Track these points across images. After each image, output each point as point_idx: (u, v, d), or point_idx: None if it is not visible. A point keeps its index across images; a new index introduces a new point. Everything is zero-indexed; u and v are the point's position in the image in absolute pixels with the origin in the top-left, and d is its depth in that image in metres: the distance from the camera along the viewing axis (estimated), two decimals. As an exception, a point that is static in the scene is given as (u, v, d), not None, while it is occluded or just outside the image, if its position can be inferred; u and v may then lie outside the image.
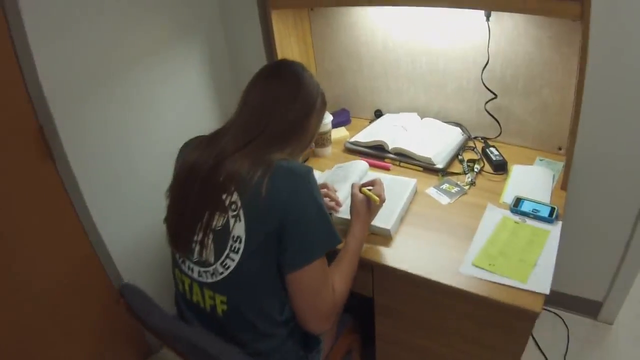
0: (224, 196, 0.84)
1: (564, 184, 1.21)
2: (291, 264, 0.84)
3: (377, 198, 1.02)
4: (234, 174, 0.84)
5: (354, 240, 1.01)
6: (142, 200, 1.46)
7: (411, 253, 1.05)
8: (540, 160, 1.37)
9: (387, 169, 1.40)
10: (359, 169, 1.32)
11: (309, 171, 0.87)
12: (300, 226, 0.83)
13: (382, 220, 1.11)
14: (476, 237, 1.06)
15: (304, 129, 0.96)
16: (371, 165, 1.40)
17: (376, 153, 1.46)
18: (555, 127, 1.36)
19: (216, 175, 0.86)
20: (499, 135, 1.46)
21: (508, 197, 1.19)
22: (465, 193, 1.23)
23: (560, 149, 1.39)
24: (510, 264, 0.97)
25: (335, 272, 0.93)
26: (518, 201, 1.15)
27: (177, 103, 1.54)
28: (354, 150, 1.51)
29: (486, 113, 1.45)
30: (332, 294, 0.88)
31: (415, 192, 1.24)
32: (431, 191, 1.26)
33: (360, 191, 1.06)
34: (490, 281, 0.94)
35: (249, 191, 0.83)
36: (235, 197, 0.83)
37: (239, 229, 0.83)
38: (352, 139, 1.53)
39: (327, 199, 1.17)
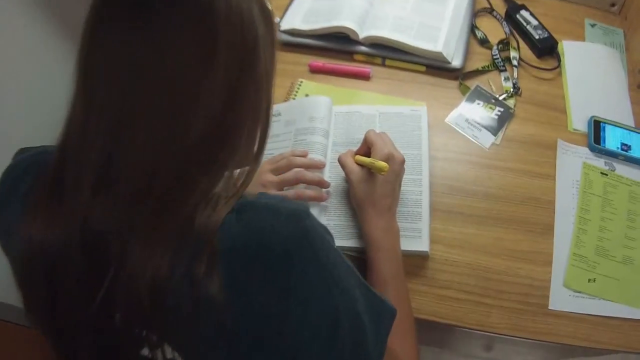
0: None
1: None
2: None
3: (384, 164, 0.58)
4: (145, 291, 0.35)
5: (384, 253, 0.59)
6: None
7: (457, 282, 0.66)
8: (592, 26, 0.91)
9: (365, 77, 0.83)
10: (321, 111, 0.76)
11: (306, 216, 0.40)
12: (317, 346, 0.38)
13: (410, 232, 0.66)
14: (558, 220, 0.68)
15: (253, 107, 0.42)
16: (333, 72, 0.83)
17: (336, 46, 0.86)
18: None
19: (105, 310, 0.37)
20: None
21: (578, 118, 0.77)
22: (513, 114, 0.78)
23: (613, 5, 0.92)
24: (617, 272, 0.64)
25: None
26: (598, 127, 0.74)
27: None
28: (293, 45, 0.88)
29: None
30: None
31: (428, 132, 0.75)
32: (456, 120, 0.78)
33: (356, 161, 0.64)
34: (597, 316, 0.62)
35: (184, 320, 0.37)
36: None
37: None
38: (285, 25, 0.88)
39: (300, 187, 0.67)
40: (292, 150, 0.72)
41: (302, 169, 0.67)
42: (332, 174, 0.71)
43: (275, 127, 0.78)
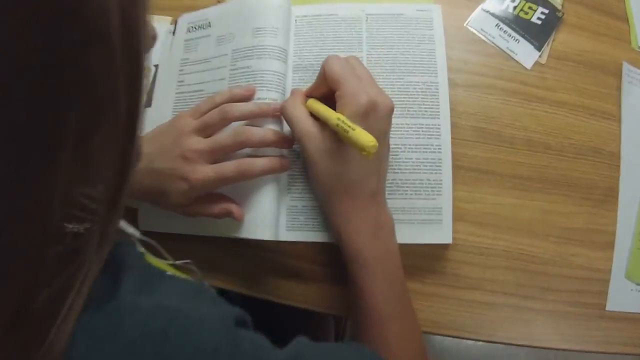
0: None
1: None
2: None
3: (366, 138, 0.31)
4: None
5: (375, 268, 0.36)
6: None
7: (489, 279, 0.44)
8: None
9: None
10: (273, 18, 0.46)
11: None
12: None
13: (424, 213, 0.42)
14: (624, 182, 0.47)
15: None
16: None
17: None
18: None
19: None
20: None
21: (641, 31, 0.54)
22: (561, 19, 0.52)
23: None
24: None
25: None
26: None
27: None
28: None
29: None
30: None
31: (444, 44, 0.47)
32: (481, 25, 0.51)
33: (312, 113, 0.38)
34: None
35: None
36: None
37: None
38: None
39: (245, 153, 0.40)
40: (229, 90, 0.41)
41: (246, 127, 0.39)
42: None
43: (202, 47, 0.45)
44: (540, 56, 0.50)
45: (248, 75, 0.43)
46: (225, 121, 0.39)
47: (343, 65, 0.35)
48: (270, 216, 0.40)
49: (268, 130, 0.39)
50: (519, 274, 0.44)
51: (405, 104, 0.44)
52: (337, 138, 0.35)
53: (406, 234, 0.40)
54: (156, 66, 0.50)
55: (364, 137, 0.31)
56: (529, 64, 0.49)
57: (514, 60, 0.49)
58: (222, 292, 0.45)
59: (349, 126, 0.32)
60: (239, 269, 0.45)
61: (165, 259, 0.35)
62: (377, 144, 0.30)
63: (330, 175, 0.35)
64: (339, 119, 0.33)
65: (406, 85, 0.44)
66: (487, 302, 0.43)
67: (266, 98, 0.42)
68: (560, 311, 0.44)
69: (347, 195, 0.35)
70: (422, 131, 0.43)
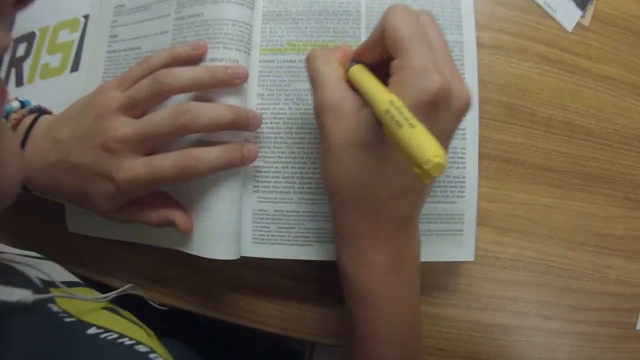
0: None
1: None
2: None
3: (435, 153, 0.18)
4: None
5: (390, 308, 0.25)
6: None
7: (510, 297, 0.35)
8: None
9: None
10: None
11: None
12: None
13: (442, 221, 0.31)
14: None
15: None
16: None
17: None
18: None
19: None
20: None
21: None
22: (603, -27, 0.42)
23: None
24: None
25: None
26: None
27: None
28: None
29: None
30: None
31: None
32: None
33: (351, 80, 0.25)
34: None
35: None
36: None
37: None
38: None
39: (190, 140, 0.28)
40: (170, 49, 0.29)
41: (191, 103, 0.27)
42: (271, 88, 0.30)
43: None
44: (582, 16, 0.40)
45: (198, 26, 0.30)
46: (160, 94, 0.26)
47: (413, 22, 0.23)
48: (230, 227, 0.29)
49: (224, 106, 0.27)
50: (545, 290, 0.35)
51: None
52: (378, 126, 0.22)
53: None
54: (86, 17, 0.36)
55: (426, 144, 0.18)
56: (569, 26, 0.39)
57: (553, 19, 0.39)
58: (174, 311, 0.35)
59: (406, 119, 0.19)
60: (195, 284, 0.34)
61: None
62: (444, 161, 0.18)
63: (351, 179, 0.23)
64: (392, 102, 0.20)
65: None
66: (507, 325, 0.35)
67: (223, 59, 0.29)
68: (587, 332, 0.36)
69: (367, 214, 0.24)
70: (443, 107, 0.32)
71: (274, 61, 0.32)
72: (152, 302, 0.33)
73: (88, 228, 0.33)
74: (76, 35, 0.35)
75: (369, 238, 0.24)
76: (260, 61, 0.32)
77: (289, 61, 0.32)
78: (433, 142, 0.18)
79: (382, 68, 0.24)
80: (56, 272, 0.28)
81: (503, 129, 0.36)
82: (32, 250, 0.37)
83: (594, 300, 0.36)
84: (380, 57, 0.24)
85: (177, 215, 0.28)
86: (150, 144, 0.26)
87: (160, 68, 0.27)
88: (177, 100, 0.28)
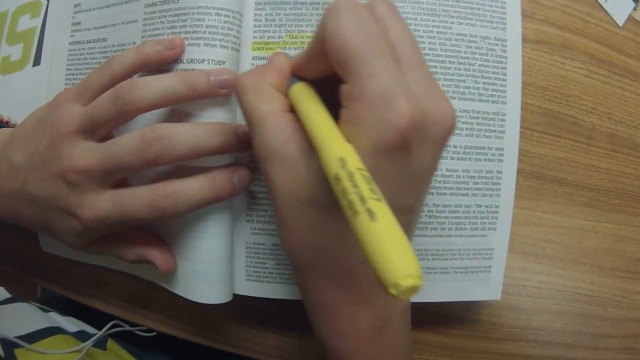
0: None
1: None
2: None
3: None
4: None
5: (369, 355, 0.20)
6: None
7: (534, 327, 0.32)
8: None
9: None
10: None
11: None
12: None
13: (468, 257, 0.27)
14: None
15: None
16: None
17: None
18: None
19: None
20: None
21: None
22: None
23: None
24: None
25: None
26: None
27: None
28: None
29: None
30: None
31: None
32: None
33: (293, 105, 0.19)
34: None
35: None
36: None
37: None
38: None
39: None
40: (137, 47, 0.22)
41: (165, 125, 0.21)
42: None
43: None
44: (635, 9, 0.34)
45: (174, 16, 0.24)
46: (124, 115, 0.21)
47: (364, 25, 0.16)
48: (219, 267, 0.25)
49: (207, 126, 0.22)
50: (571, 318, 0.32)
51: (452, 74, 0.27)
52: None
53: (434, 290, 0.27)
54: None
55: (392, 255, 0.12)
56: (621, 19, 0.34)
57: (603, 10, 0.33)
58: (160, 337, 0.31)
59: (362, 199, 0.13)
60: (185, 309, 0.30)
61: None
62: (418, 281, 0.12)
63: (313, 244, 0.18)
64: (342, 162, 0.14)
65: (455, 41, 0.27)
66: (525, 355, 0.32)
67: (204, 60, 0.23)
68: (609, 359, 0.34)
69: (336, 282, 0.19)
70: (477, 123, 0.27)
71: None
72: (139, 331, 0.29)
73: (62, 249, 0.28)
74: (38, 22, 0.28)
75: (341, 306, 0.19)
76: (252, 59, 0.26)
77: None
78: (402, 251, 0.12)
79: (334, 80, 0.17)
80: (24, 320, 0.24)
81: (541, 140, 0.31)
82: (6, 267, 0.32)
83: (617, 327, 0.34)
84: (327, 73, 0.18)
85: (156, 255, 0.23)
86: (116, 177, 0.21)
87: (125, 75, 0.21)
88: (149, 117, 0.22)
